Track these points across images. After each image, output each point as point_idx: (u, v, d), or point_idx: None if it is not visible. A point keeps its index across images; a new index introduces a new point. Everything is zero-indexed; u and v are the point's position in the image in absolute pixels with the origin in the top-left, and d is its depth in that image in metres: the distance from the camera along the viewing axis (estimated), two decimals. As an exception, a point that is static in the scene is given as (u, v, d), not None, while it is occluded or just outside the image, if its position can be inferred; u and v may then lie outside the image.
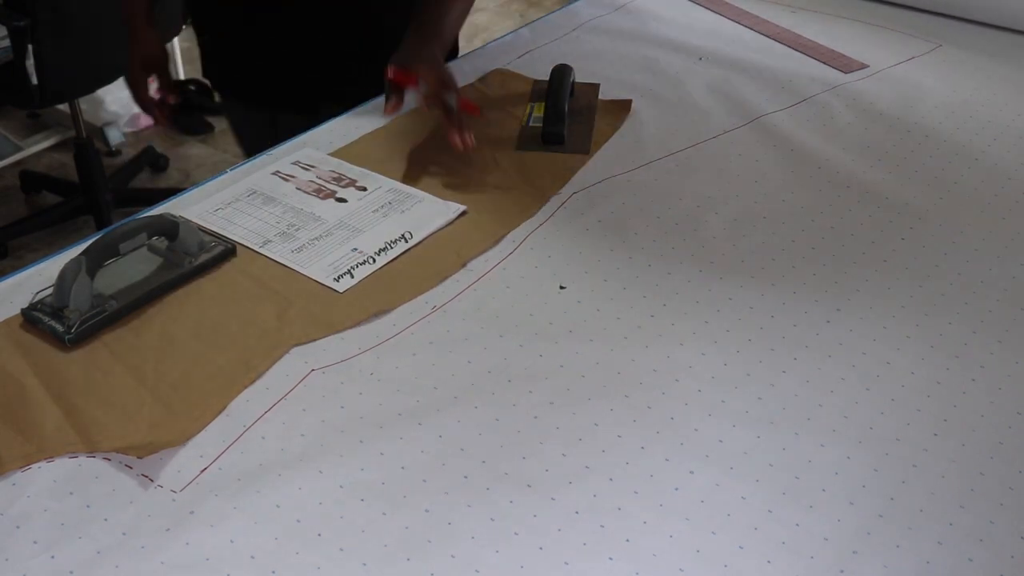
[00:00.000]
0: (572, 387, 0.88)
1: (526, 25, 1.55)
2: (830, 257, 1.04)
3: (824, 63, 1.41)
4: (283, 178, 1.15)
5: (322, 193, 1.12)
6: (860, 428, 0.84)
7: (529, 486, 0.79)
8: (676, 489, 0.78)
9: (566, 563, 0.73)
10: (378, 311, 0.96)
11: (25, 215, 2.67)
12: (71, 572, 0.72)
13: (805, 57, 1.43)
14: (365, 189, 1.13)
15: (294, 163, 1.18)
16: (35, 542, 0.74)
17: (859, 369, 0.90)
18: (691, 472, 0.80)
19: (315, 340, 0.92)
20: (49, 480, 0.79)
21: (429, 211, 1.09)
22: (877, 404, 0.86)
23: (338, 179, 1.15)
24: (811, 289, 0.99)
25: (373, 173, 1.16)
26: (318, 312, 0.96)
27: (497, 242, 1.05)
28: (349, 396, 0.87)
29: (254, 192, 1.12)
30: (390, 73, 1.20)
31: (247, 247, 1.03)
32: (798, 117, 1.28)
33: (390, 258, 1.02)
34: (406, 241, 1.04)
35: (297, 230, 1.06)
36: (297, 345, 0.92)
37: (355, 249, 1.03)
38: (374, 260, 1.02)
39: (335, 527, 0.75)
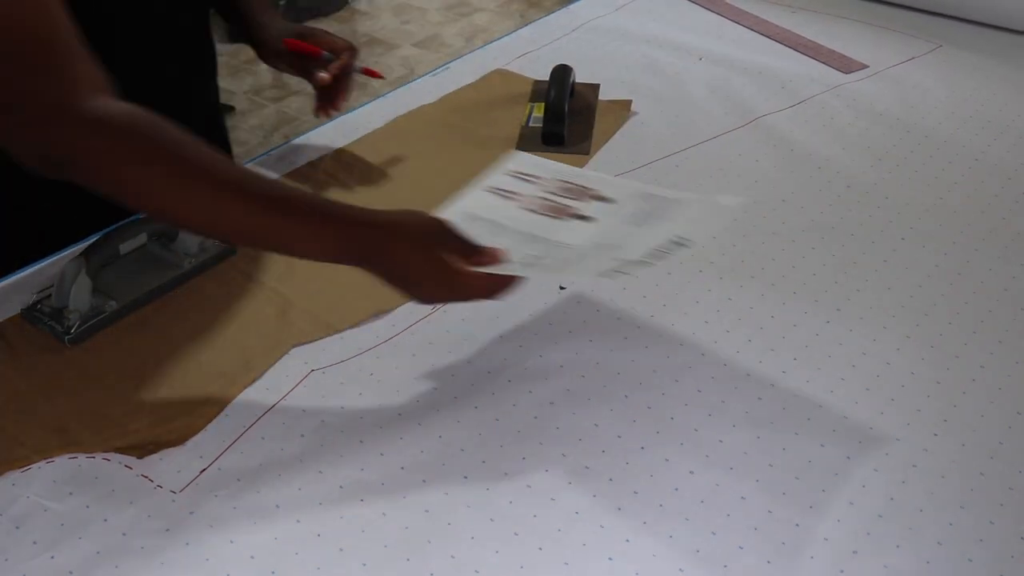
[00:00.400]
0: (572, 387, 0.88)
1: (526, 25, 1.55)
2: (830, 257, 1.03)
3: (824, 63, 1.41)
4: (504, 196, 0.90)
5: (559, 212, 0.88)
6: (860, 428, 0.84)
7: (529, 486, 0.79)
8: (676, 489, 0.78)
9: (566, 563, 0.73)
10: (378, 311, 0.96)
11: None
12: (71, 572, 0.72)
13: (805, 57, 1.43)
14: (608, 200, 0.89)
15: (514, 175, 0.93)
16: (35, 542, 0.74)
17: (859, 369, 0.90)
18: (691, 472, 0.80)
19: (315, 340, 0.93)
20: (49, 480, 0.79)
21: (701, 212, 0.87)
22: (877, 404, 0.86)
23: (569, 190, 0.91)
24: (811, 289, 0.99)
25: (614, 179, 0.97)
26: (318, 312, 0.96)
27: (497, 242, 1.05)
28: (349, 396, 0.87)
29: (475, 218, 0.86)
30: (290, 46, 1.12)
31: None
32: (798, 117, 1.28)
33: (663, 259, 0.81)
34: (681, 246, 0.81)
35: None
36: (297, 345, 0.92)
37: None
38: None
39: (335, 527, 0.75)
